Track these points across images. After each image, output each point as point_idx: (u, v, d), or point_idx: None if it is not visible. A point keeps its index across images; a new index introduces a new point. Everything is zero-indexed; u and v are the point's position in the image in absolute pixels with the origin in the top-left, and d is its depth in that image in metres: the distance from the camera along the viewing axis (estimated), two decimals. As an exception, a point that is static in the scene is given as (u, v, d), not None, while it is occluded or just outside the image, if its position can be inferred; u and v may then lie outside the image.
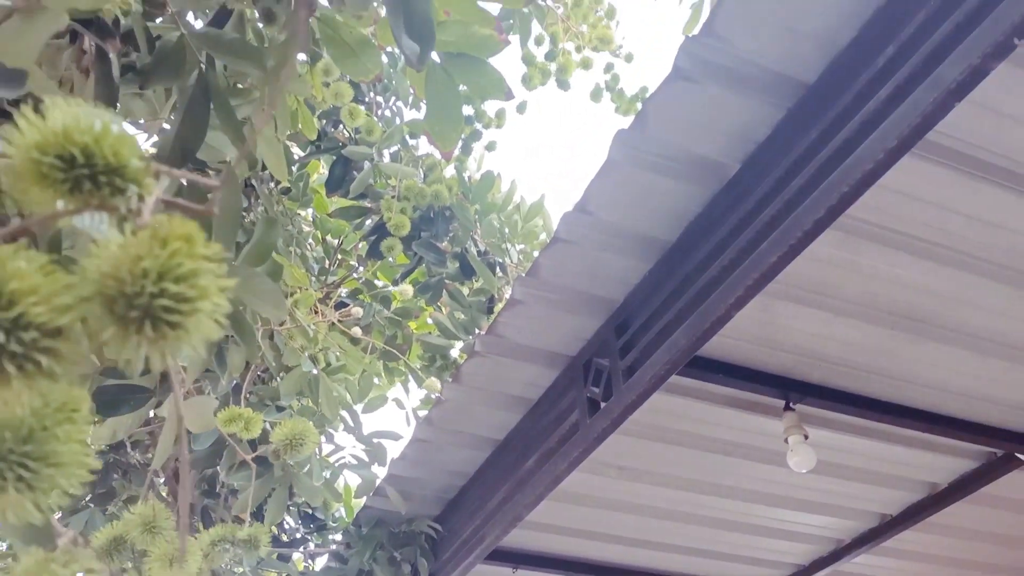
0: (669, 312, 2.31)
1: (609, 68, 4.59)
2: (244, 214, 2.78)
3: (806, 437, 2.86)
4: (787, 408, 2.95)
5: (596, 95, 4.61)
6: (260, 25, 1.88)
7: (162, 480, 3.49)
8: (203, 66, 1.21)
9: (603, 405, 2.52)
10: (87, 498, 3.36)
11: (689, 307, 2.23)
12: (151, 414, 2.30)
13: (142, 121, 1.57)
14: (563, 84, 4.15)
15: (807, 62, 1.88)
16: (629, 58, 4.60)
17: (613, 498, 3.59)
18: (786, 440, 2.89)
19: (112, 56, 1.12)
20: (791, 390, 2.95)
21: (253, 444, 3.19)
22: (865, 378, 2.98)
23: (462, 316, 4.00)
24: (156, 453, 1.18)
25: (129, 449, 3.36)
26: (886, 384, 3.00)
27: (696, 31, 1.85)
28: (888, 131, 1.66)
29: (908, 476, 3.51)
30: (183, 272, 0.44)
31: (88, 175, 0.46)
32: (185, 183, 0.89)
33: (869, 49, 1.78)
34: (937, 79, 1.57)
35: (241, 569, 3.49)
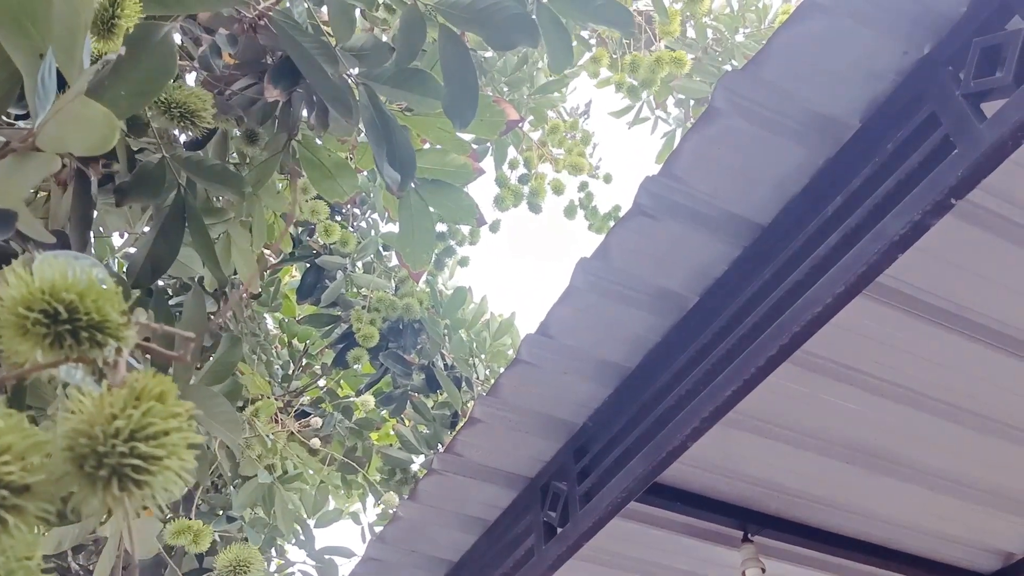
0: (627, 438, 2.33)
1: (584, 187, 4.75)
2: (210, 316, 2.79)
3: (763, 571, 2.84)
4: (745, 539, 2.94)
5: (570, 212, 4.74)
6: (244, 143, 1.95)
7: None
8: (182, 187, 1.26)
9: (559, 531, 2.49)
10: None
11: (647, 435, 2.25)
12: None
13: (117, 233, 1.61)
14: (534, 207, 4.29)
15: (762, 205, 1.98)
16: (608, 179, 4.76)
17: (569, 626, 3.48)
18: (743, 573, 2.87)
19: (92, 175, 1.17)
20: (749, 520, 2.95)
21: (201, 555, 3.09)
22: (822, 510, 2.98)
23: (425, 429, 3.99)
24: (97, 568, 1.16)
25: (70, 556, 3.25)
26: (843, 517, 3.00)
27: (656, 171, 1.95)
28: (836, 277, 1.74)
29: (867, 614, 3.47)
30: (154, 432, 0.47)
31: (70, 331, 0.49)
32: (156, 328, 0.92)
33: (819, 197, 1.88)
34: (881, 231, 1.67)
35: None
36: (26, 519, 0.45)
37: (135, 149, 1.60)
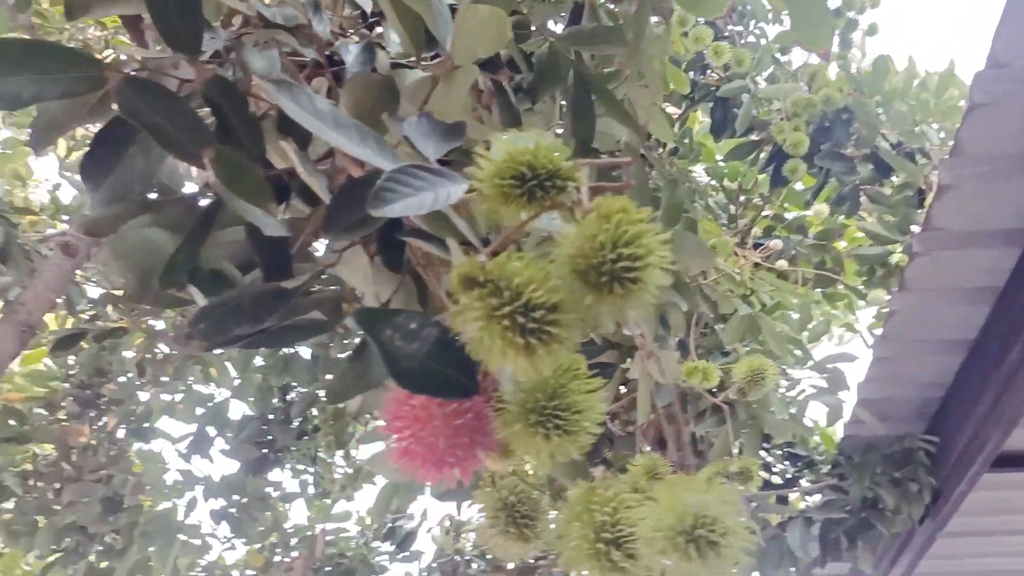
0: None
1: None
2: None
3: None
4: None
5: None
6: (612, 6, 1.99)
7: (648, 448, 3.78)
8: (575, 64, 1.33)
9: (1089, 271, 2.18)
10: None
11: None
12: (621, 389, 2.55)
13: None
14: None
15: None
16: None
17: None
18: None
19: (506, 85, 1.30)
20: None
21: (711, 394, 3.33)
22: None
23: (891, 218, 3.72)
24: (638, 410, 1.32)
25: (609, 422, 3.71)
26: None
27: None
28: None
29: None
30: (630, 237, 0.54)
31: (537, 184, 0.58)
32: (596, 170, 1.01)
33: None
34: None
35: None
36: (565, 329, 0.55)
37: (530, 54, 1.73)
